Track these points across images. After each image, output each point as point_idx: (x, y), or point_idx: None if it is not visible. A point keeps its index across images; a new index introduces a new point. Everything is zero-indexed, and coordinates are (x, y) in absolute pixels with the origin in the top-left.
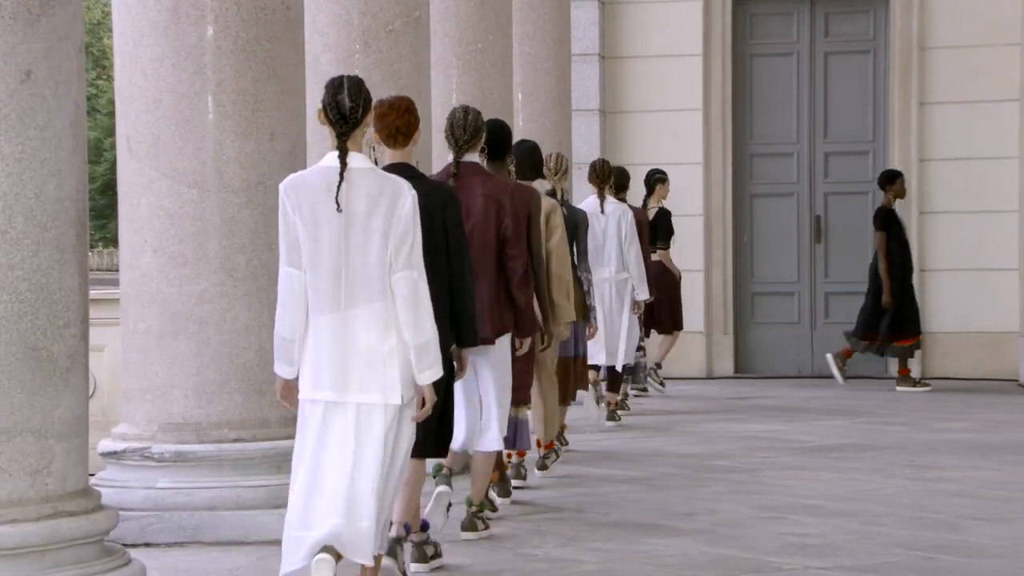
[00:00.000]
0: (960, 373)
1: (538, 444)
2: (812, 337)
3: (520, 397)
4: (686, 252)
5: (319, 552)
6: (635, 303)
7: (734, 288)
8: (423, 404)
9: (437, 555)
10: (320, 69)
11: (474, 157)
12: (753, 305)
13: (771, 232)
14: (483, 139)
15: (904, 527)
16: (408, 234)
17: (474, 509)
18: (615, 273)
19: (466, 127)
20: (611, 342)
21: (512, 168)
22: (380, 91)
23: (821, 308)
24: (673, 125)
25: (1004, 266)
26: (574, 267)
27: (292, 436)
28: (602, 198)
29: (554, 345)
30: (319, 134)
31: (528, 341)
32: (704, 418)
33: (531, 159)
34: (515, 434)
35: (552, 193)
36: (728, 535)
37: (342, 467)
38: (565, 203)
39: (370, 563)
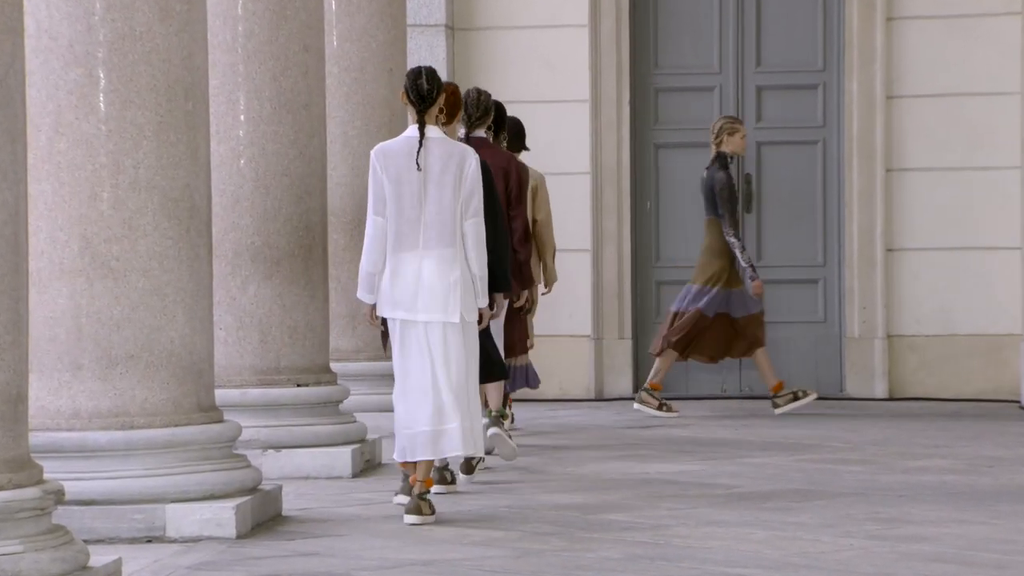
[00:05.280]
0: (942, 392)
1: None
2: None
3: (522, 349)
4: (567, 224)
5: (407, 515)
6: None
7: (633, 274)
8: (480, 321)
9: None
10: None
11: (481, 133)
12: (659, 298)
13: (683, 197)
14: (491, 117)
15: None
16: (475, 189)
17: (495, 415)
18: None
19: (478, 106)
20: None
21: (504, 143)
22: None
23: None
24: (548, 48)
25: (1001, 244)
26: None
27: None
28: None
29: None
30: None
31: (526, 293)
32: (592, 455)
33: (516, 133)
34: (515, 378)
35: None
36: None
37: (425, 377)
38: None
39: (458, 453)
